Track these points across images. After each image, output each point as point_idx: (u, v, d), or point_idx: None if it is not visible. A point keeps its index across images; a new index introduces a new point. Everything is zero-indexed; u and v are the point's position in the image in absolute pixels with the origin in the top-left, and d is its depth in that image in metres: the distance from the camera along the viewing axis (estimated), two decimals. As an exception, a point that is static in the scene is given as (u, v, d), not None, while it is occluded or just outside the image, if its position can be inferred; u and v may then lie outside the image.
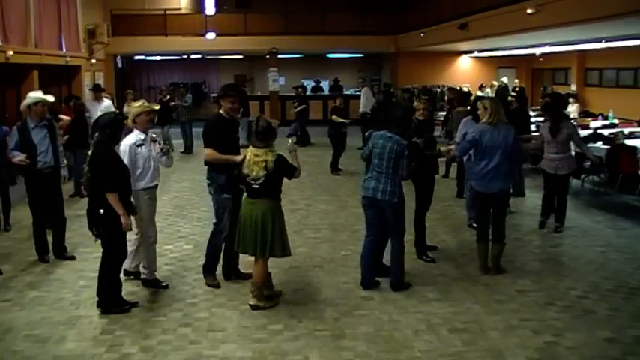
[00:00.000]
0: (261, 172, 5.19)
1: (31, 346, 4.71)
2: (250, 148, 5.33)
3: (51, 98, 6.94)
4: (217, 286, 5.85)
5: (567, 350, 4.59)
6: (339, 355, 4.55)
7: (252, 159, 5.24)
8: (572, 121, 9.36)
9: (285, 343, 4.73)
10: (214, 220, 5.90)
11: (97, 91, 13.28)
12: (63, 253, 6.84)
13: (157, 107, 5.97)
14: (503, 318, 5.17)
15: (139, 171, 5.62)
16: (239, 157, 5.44)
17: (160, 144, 5.87)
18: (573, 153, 8.23)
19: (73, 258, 6.80)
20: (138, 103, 5.89)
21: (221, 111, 5.81)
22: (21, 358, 4.56)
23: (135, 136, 5.66)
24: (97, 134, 5.28)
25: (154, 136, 5.89)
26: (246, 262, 6.08)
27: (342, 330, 4.95)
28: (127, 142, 5.62)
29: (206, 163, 5.76)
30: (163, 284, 5.91)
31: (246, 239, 5.29)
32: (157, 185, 5.89)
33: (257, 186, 5.24)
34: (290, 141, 5.70)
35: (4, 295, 5.77)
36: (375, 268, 5.92)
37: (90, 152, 5.30)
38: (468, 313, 5.28)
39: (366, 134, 6.55)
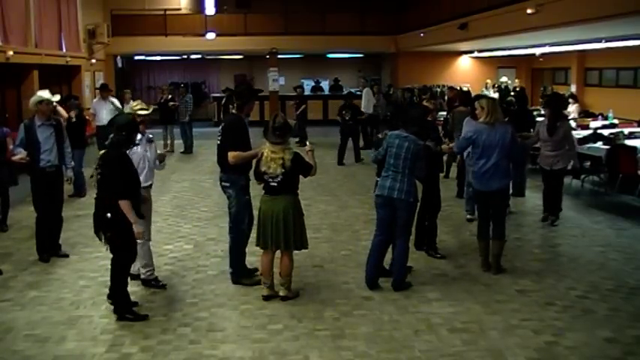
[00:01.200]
0: (278, 169, 5.28)
1: (31, 346, 4.71)
2: (267, 144, 5.38)
3: (56, 98, 7.00)
4: (258, 282, 5.78)
5: (567, 350, 4.59)
6: (339, 355, 4.55)
7: (270, 155, 5.31)
8: (570, 121, 9.46)
9: (285, 343, 4.73)
10: (231, 225, 5.91)
11: (104, 91, 13.31)
12: (57, 251, 6.85)
13: (146, 113, 5.91)
14: (503, 318, 5.17)
15: None
16: (259, 150, 5.48)
17: (156, 148, 5.85)
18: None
19: (66, 256, 6.82)
20: (134, 104, 5.91)
21: (234, 111, 5.90)
22: (21, 358, 4.56)
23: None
24: (112, 135, 5.13)
25: (151, 136, 5.90)
26: (254, 261, 6.11)
27: (342, 330, 4.95)
28: None
29: (225, 166, 5.74)
30: (161, 284, 5.91)
31: (268, 235, 5.39)
32: (151, 185, 5.90)
33: (275, 184, 5.33)
34: (308, 142, 5.90)
35: (4, 295, 5.77)
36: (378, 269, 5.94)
37: (102, 153, 5.17)
38: (468, 313, 5.28)
39: (380, 135, 6.63)
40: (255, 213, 5.72)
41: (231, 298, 5.65)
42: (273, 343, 4.74)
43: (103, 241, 5.12)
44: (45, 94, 6.76)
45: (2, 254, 7.02)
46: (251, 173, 5.66)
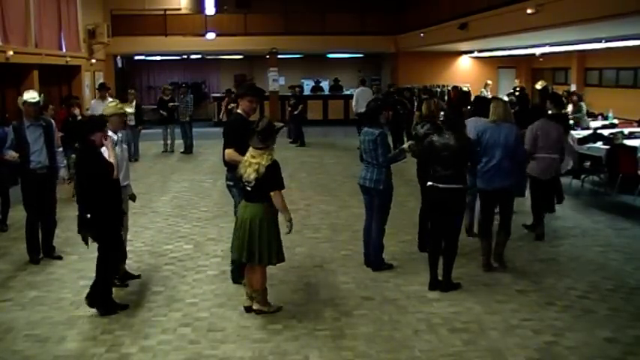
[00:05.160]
0: (252, 174, 5.02)
1: (31, 346, 4.71)
2: (250, 148, 5.17)
3: (34, 97, 6.73)
4: None
5: (567, 350, 4.60)
6: (339, 355, 4.55)
7: (249, 160, 5.09)
8: (570, 121, 9.40)
9: (285, 343, 4.73)
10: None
11: (102, 90, 13.30)
12: (51, 253, 6.85)
13: (130, 111, 5.99)
14: (503, 318, 5.17)
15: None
16: None
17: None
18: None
19: (60, 258, 6.80)
20: (112, 104, 5.99)
21: (239, 110, 5.94)
22: (21, 358, 4.56)
23: (112, 135, 5.66)
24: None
25: (115, 138, 5.95)
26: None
27: (342, 330, 4.96)
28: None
29: (226, 163, 5.79)
30: (136, 275, 6.04)
31: (235, 244, 5.19)
32: (127, 185, 5.95)
33: (249, 188, 5.11)
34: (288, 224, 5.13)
35: (4, 295, 5.77)
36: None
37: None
38: (468, 313, 5.29)
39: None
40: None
41: (231, 298, 5.65)
42: (273, 343, 4.74)
43: (86, 241, 5.25)
44: (29, 95, 6.71)
45: (2, 254, 7.02)
46: None
